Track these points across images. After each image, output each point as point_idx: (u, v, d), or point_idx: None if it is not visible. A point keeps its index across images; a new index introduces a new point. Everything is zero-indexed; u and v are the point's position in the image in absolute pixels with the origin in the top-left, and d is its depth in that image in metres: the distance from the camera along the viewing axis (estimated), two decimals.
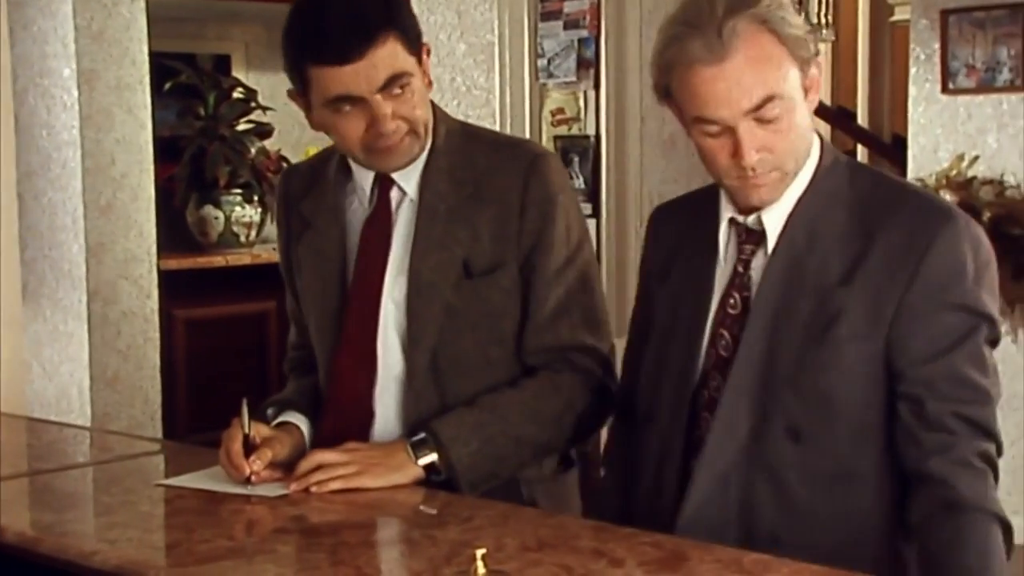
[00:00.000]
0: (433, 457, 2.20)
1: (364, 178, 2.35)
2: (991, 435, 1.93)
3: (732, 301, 2.01)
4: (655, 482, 2.08)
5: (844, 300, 1.93)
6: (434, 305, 2.28)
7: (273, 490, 2.18)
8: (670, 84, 1.94)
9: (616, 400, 2.31)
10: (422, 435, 2.22)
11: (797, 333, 1.94)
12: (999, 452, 1.94)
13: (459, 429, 2.22)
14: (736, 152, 1.91)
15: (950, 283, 1.92)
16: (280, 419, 2.36)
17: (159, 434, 5.02)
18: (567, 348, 2.31)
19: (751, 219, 2.01)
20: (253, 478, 2.19)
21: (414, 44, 2.22)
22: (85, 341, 4.87)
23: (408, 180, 2.32)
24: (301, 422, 2.37)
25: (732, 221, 2.03)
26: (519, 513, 2.08)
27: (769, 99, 1.88)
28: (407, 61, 2.20)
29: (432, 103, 2.36)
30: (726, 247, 2.04)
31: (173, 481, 2.27)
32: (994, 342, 1.97)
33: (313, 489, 2.15)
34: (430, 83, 2.30)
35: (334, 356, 2.37)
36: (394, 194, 2.33)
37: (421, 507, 2.10)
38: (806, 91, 1.95)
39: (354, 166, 2.35)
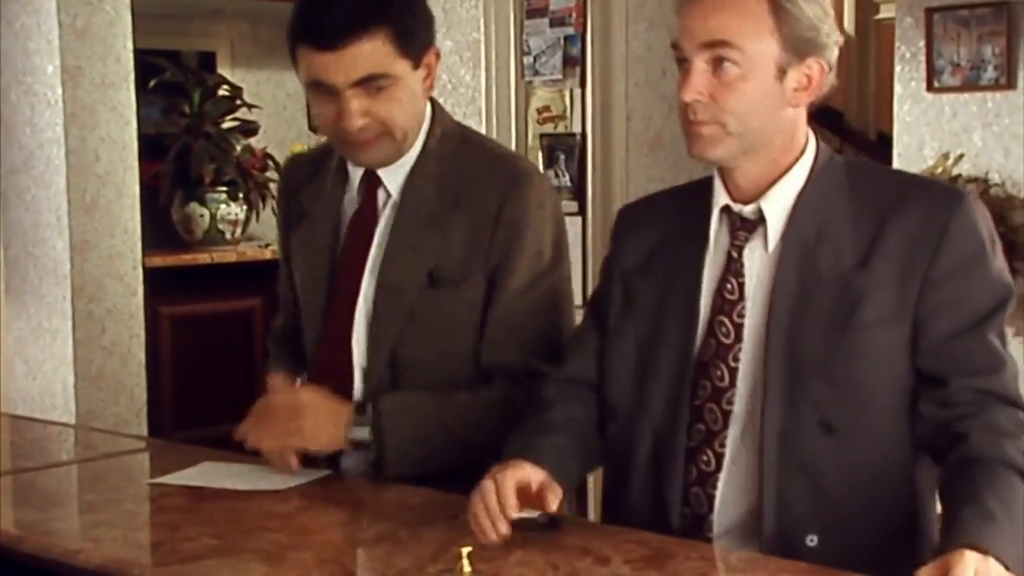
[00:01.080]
0: (365, 426, 2.21)
1: (355, 173, 2.35)
2: (1014, 403, 1.91)
3: (729, 287, 2.00)
4: (653, 473, 2.04)
5: (865, 282, 1.92)
6: (397, 307, 2.28)
7: (275, 483, 2.19)
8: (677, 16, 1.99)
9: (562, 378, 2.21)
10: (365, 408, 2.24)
11: (820, 322, 1.93)
12: None
13: (398, 403, 2.24)
14: (681, 87, 1.94)
15: (973, 259, 1.92)
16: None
17: (144, 431, 5.01)
18: (516, 371, 2.29)
19: (748, 208, 2.00)
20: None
21: (409, 47, 2.18)
22: (69, 338, 4.86)
23: (393, 180, 2.31)
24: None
25: (726, 209, 2.03)
26: None
27: (723, 44, 1.90)
28: (393, 63, 2.17)
29: (434, 102, 2.35)
30: (716, 235, 2.04)
31: (163, 479, 2.27)
32: None
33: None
34: (430, 87, 2.28)
35: (316, 350, 2.37)
36: (381, 193, 2.33)
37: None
38: (793, 82, 1.94)
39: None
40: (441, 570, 1.79)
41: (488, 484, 1.90)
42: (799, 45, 1.93)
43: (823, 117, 8.29)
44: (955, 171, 4.64)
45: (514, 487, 1.90)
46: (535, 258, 2.28)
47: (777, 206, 1.99)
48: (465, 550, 1.74)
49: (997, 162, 4.62)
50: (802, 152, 2.01)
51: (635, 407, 2.07)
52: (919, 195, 1.96)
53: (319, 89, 2.19)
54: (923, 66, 4.60)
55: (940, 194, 1.98)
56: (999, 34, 4.37)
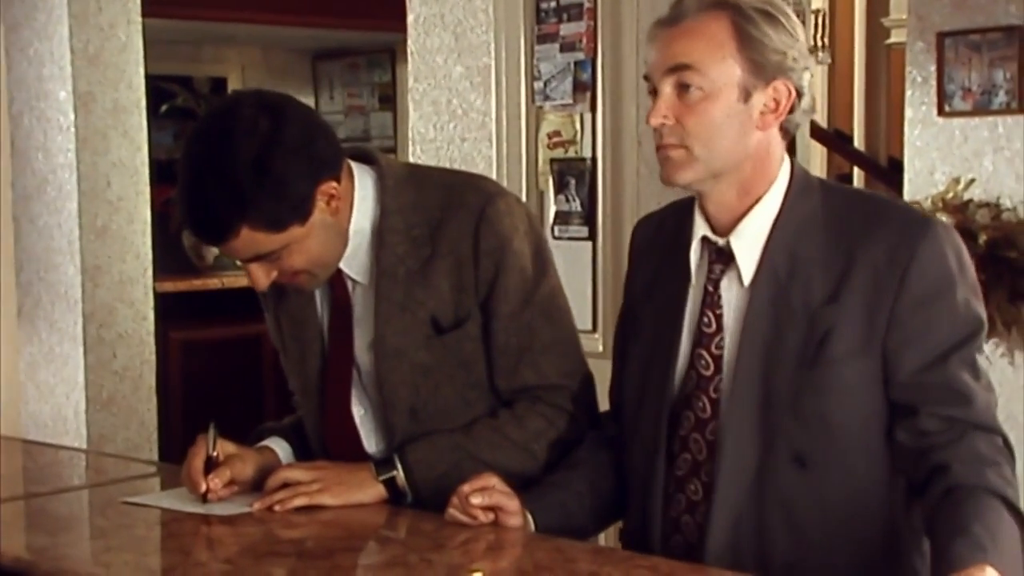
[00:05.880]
0: (394, 474, 2.21)
1: None
2: (991, 429, 1.91)
3: (706, 320, 2.02)
4: (642, 499, 2.06)
5: (833, 318, 1.92)
6: (403, 368, 2.27)
7: (231, 508, 2.19)
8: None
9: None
10: (389, 455, 2.24)
11: (790, 358, 1.93)
12: (1007, 445, 1.91)
13: (427, 452, 2.23)
14: (649, 112, 1.99)
15: (939, 291, 1.92)
16: (261, 444, 2.37)
17: (155, 456, 5.00)
18: (534, 388, 2.29)
19: (723, 241, 2.01)
20: (209, 495, 2.21)
21: (283, 223, 2.12)
22: (81, 363, 4.86)
23: (353, 266, 2.28)
24: (280, 447, 2.37)
25: (704, 240, 2.04)
26: (515, 536, 2.07)
27: (686, 67, 1.94)
28: (270, 241, 2.13)
29: (372, 155, 2.32)
30: (697, 265, 2.05)
31: (137, 499, 2.28)
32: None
33: (276, 508, 2.17)
34: (337, 208, 2.19)
35: (321, 432, 2.36)
36: (346, 277, 2.31)
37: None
38: (760, 104, 1.95)
39: None
40: None
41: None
42: (764, 68, 1.95)
43: (834, 142, 8.30)
44: (966, 196, 4.63)
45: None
46: (520, 277, 2.27)
47: (748, 240, 2.00)
48: (477, 575, 1.73)
49: (1008, 187, 4.61)
50: (775, 179, 2.01)
51: (632, 432, 2.11)
52: (886, 223, 1.95)
53: None
54: (934, 90, 4.60)
55: (906, 222, 1.96)
56: (1010, 59, 4.37)
